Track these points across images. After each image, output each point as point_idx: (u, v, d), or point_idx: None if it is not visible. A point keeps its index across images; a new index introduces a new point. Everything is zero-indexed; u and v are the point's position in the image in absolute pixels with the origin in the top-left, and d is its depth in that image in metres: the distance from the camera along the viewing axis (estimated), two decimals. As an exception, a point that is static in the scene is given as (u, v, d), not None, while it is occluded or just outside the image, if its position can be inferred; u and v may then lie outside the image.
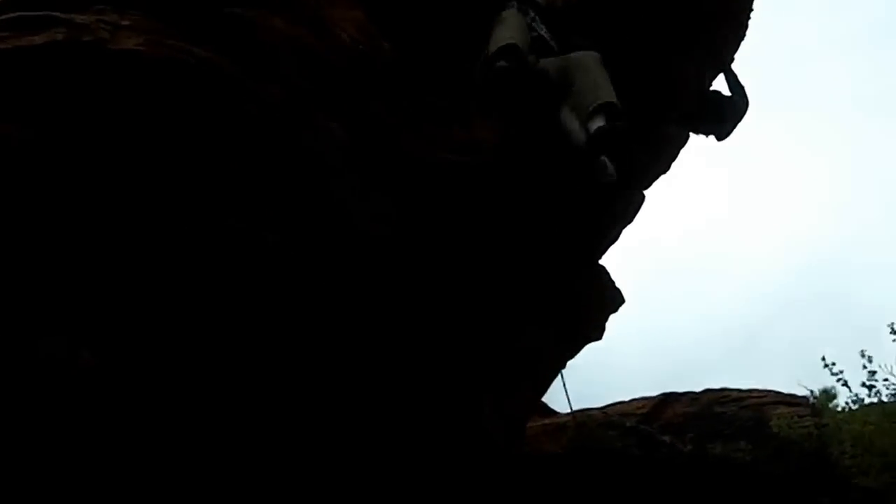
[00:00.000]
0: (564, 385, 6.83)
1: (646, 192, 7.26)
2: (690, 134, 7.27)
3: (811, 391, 11.01)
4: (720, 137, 6.76)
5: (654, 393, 10.54)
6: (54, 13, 3.23)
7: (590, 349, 7.62)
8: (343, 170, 4.28)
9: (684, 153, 7.24)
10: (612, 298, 7.46)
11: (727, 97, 6.71)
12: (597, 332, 8.00)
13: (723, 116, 6.69)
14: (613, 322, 8.25)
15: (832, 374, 9.14)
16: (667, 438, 8.64)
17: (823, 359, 9.11)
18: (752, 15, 6.86)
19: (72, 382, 3.17)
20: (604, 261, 6.77)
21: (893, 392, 8.92)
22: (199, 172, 3.60)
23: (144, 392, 3.45)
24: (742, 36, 6.89)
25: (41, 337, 3.10)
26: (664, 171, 8.42)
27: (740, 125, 6.72)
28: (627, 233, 6.91)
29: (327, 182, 4.19)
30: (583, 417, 9.92)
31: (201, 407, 3.67)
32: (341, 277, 4.28)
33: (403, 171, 4.70)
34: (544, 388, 9.01)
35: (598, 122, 4.09)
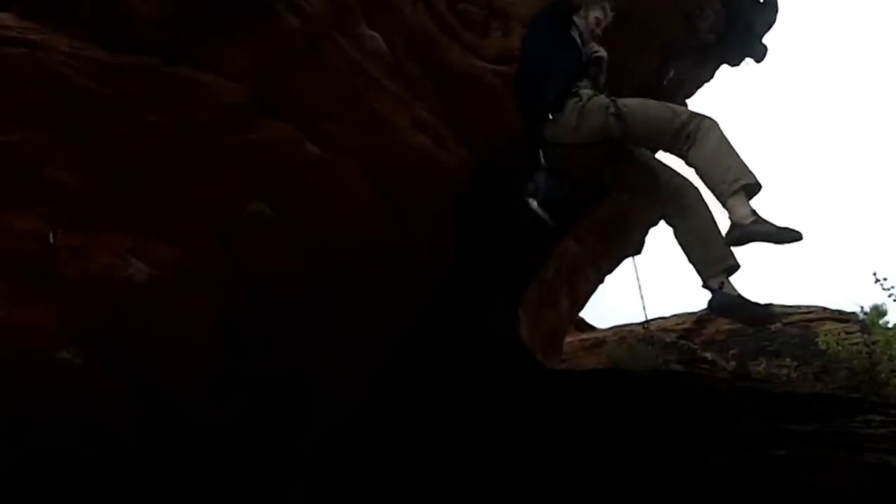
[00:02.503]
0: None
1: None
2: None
3: (861, 307, 10.52)
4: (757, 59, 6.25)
5: (695, 308, 10.15)
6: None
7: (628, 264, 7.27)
8: (382, 80, 4.18)
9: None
10: (651, 214, 7.08)
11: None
12: (636, 248, 7.66)
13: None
14: (653, 237, 7.86)
15: (883, 289, 8.56)
16: (708, 355, 8.27)
17: (875, 273, 8.52)
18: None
19: None
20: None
21: (947, 308, 8.38)
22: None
23: None
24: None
25: None
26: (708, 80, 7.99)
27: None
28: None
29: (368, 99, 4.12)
30: (622, 332, 9.59)
31: None
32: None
33: (444, 79, 4.58)
34: (583, 303, 8.72)
35: None
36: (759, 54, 7.35)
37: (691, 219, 3.56)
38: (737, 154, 3.44)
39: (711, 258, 3.42)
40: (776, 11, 7.09)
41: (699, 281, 3.46)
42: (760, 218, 3.22)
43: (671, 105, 3.69)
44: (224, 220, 3.64)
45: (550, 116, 3.64)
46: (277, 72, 3.66)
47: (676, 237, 3.61)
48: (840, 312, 10.31)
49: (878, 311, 10.78)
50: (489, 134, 4.82)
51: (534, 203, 3.67)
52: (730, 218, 3.31)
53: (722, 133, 3.51)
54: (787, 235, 3.18)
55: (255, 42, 3.47)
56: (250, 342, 3.77)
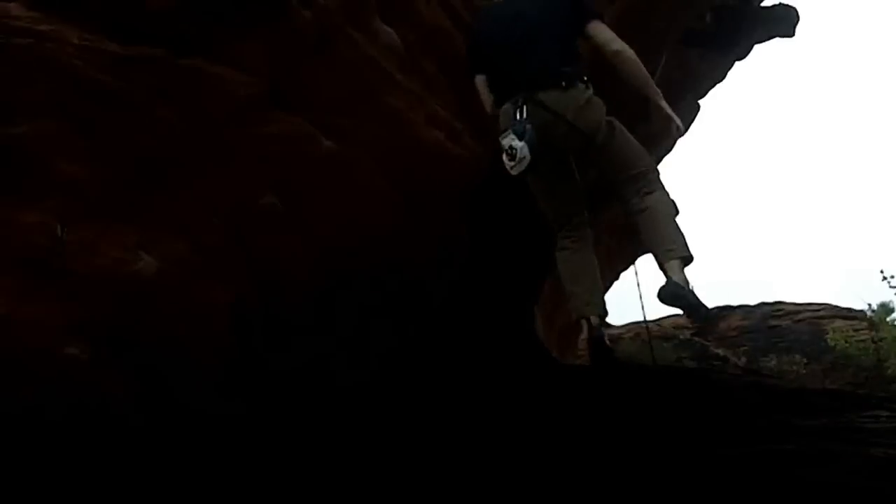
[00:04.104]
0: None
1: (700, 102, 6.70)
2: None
3: (869, 304, 10.39)
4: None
5: (708, 306, 9.99)
6: None
7: (644, 261, 7.10)
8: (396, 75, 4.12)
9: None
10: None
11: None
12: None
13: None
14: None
15: (891, 287, 8.46)
16: (720, 351, 8.13)
17: (882, 272, 8.40)
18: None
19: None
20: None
21: (953, 306, 8.23)
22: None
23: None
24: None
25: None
26: (720, 80, 7.88)
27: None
28: (681, 143, 6.27)
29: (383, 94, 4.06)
30: (636, 329, 9.46)
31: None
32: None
33: (459, 74, 4.48)
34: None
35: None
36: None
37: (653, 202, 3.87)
38: (678, 224, 3.91)
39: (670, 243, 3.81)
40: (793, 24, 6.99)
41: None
42: (689, 289, 3.77)
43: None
44: (236, 215, 3.51)
45: (563, 84, 3.74)
46: (291, 66, 3.53)
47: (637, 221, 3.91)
48: (848, 310, 10.20)
49: (886, 309, 10.65)
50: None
51: (517, 141, 3.62)
52: (666, 275, 3.76)
53: (671, 199, 3.96)
54: (701, 313, 3.95)
55: (268, 35, 3.33)
56: (262, 338, 3.64)
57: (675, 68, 6.96)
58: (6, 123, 2.69)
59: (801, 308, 10.02)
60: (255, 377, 3.62)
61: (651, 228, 3.84)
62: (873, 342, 8.82)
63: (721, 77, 8.07)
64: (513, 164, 3.60)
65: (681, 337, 8.09)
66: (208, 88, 3.21)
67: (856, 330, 9.30)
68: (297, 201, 3.75)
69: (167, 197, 3.18)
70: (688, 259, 3.78)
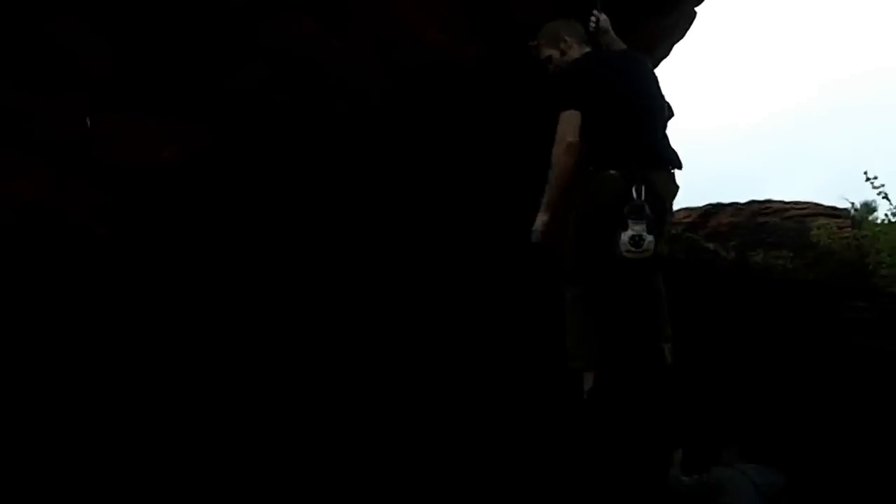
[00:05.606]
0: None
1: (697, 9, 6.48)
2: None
3: (852, 203, 10.48)
4: None
5: (699, 203, 10.13)
6: None
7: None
8: None
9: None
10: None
11: None
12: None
13: None
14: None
15: (873, 187, 8.53)
16: (711, 246, 8.25)
17: (865, 173, 8.46)
18: None
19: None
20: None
21: (933, 205, 8.32)
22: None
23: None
24: None
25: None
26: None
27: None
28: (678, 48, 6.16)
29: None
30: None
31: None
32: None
33: None
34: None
35: None
36: None
37: None
38: None
39: None
40: None
41: None
42: None
43: None
44: (252, 109, 3.52)
45: (670, 168, 3.48)
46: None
47: None
48: (833, 209, 10.29)
49: (868, 208, 10.79)
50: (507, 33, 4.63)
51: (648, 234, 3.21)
52: None
53: None
54: None
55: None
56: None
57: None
58: (41, 18, 2.69)
59: (788, 206, 10.12)
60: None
61: None
62: (855, 239, 8.99)
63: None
64: (635, 251, 3.18)
65: (673, 232, 8.19)
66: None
67: (839, 227, 9.43)
68: (307, 97, 3.74)
69: (189, 91, 3.19)
70: None
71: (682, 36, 6.09)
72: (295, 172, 3.84)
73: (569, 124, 3.31)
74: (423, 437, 4.43)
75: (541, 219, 3.31)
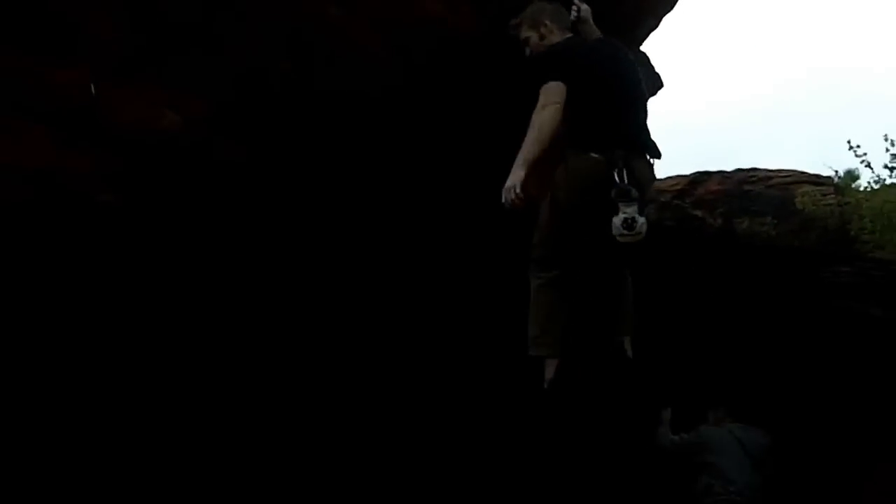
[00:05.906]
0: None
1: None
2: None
3: (836, 171, 10.57)
4: None
5: (688, 172, 10.17)
6: None
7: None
8: None
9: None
10: (653, 83, 6.92)
11: None
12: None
13: None
14: (652, 105, 7.71)
15: (856, 155, 8.66)
16: (698, 213, 8.32)
17: (849, 142, 8.56)
18: None
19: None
20: (644, 47, 6.08)
21: (914, 173, 8.45)
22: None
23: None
24: None
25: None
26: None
27: None
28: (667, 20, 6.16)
29: None
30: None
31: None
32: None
33: None
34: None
35: None
36: None
37: None
38: None
39: None
40: None
41: None
42: None
43: None
44: (250, 76, 3.55)
45: (648, 157, 3.47)
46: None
47: None
48: (817, 176, 10.34)
49: (851, 176, 10.87)
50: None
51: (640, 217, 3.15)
52: None
53: None
54: None
55: None
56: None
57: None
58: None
59: (773, 174, 10.16)
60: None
61: None
62: (839, 206, 9.09)
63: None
64: (628, 234, 3.10)
65: (662, 199, 8.25)
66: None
67: (823, 195, 9.50)
68: (309, 66, 3.77)
69: (191, 59, 3.22)
70: None
71: (671, 7, 6.10)
72: (295, 143, 3.89)
73: (554, 92, 3.21)
74: (399, 427, 4.54)
75: (517, 174, 3.09)
